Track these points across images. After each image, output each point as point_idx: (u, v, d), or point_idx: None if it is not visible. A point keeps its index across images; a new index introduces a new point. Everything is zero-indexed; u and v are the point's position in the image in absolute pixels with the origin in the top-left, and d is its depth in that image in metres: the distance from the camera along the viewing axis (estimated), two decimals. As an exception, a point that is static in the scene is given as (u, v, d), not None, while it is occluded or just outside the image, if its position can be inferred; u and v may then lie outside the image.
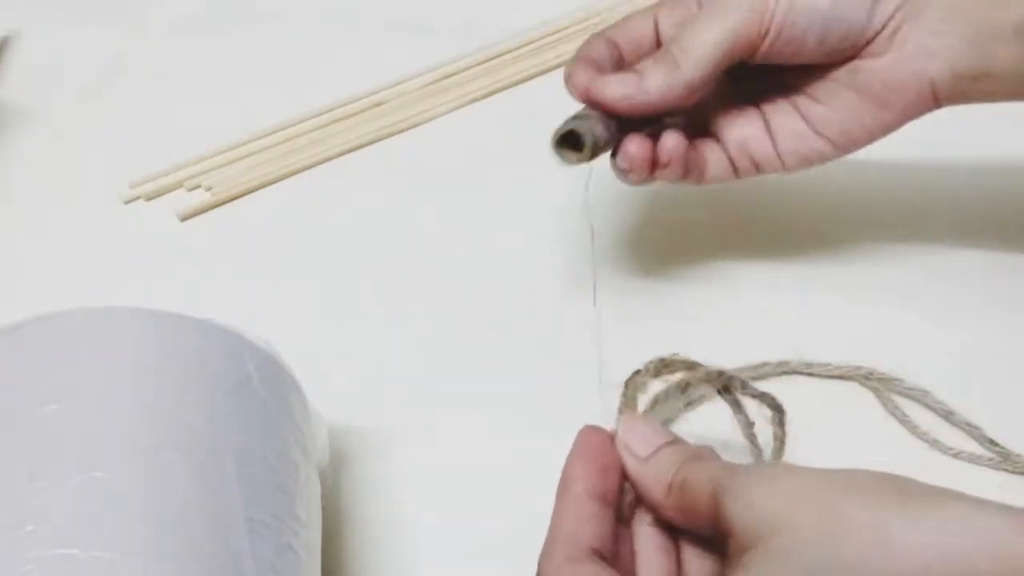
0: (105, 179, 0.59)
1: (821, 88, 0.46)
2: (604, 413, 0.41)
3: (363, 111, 0.63)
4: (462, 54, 0.66)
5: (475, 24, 0.68)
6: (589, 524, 0.35)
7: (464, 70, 0.65)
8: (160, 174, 0.60)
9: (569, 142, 0.45)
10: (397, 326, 0.51)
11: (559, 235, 0.55)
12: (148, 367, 0.35)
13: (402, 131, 0.62)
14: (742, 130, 0.47)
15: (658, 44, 0.47)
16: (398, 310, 0.52)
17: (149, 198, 0.59)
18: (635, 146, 0.45)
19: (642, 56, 0.46)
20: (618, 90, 0.45)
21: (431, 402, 0.48)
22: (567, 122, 0.45)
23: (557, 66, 0.66)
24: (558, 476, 0.37)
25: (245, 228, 0.57)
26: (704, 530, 0.35)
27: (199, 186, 0.59)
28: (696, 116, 0.48)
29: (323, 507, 0.39)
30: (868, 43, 0.45)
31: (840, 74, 0.46)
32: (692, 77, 0.44)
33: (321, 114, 0.63)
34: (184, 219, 0.57)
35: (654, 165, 0.46)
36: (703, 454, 0.36)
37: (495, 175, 0.59)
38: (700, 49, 0.44)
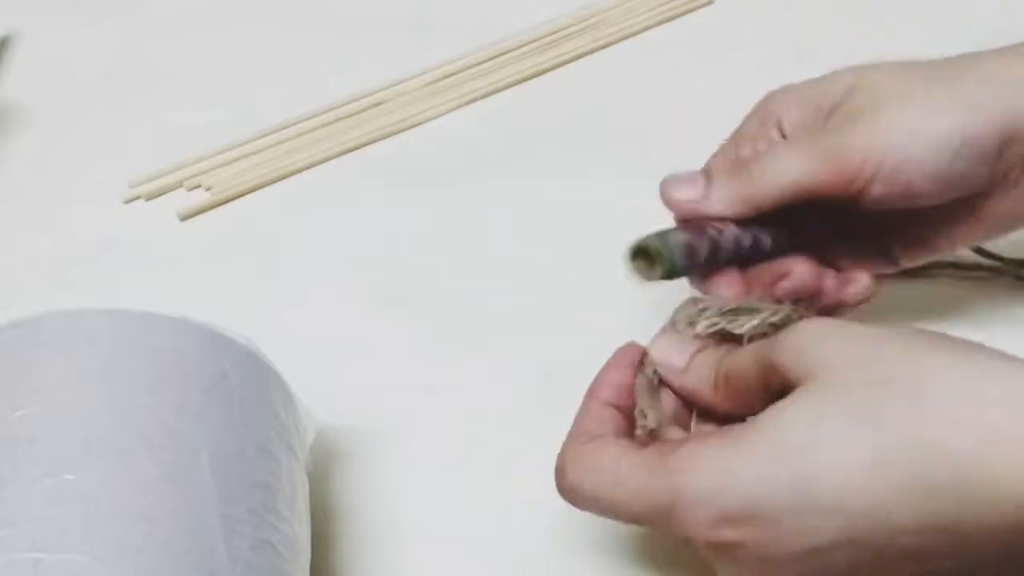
0: (105, 179, 0.59)
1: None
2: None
3: (363, 111, 0.63)
4: (462, 54, 0.66)
5: (475, 24, 0.68)
6: (610, 422, 0.38)
7: (464, 70, 0.66)
8: (160, 174, 0.60)
9: (644, 256, 0.42)
10: (396, 326, 0.51)
11: (559, 235, 0.55)
12: (119, 367, 0.35)
13: (402, 131, 0.62)
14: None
15: None
16: (397, 310, 0.52)
17: (149, 198, 0.59)
18: (725, 286, 0.44)
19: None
20: (684, 193, 0.43)
21: (429, 402, 0.48)
22: (651, 235, 0.42)
23: (557, 66, 0.66)
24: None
25: (245, 228, 0.57)
26: (756, 410, 0.35)
27: (199, 186, 0.59)
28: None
29: (314, 506, 0.40)
30: (987, 191, 0.43)
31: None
32: (760, 203, 0.43)
33: (321, 114, 0.63)
34: (184, 219, 0.57)
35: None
36: (734, 347, 0.38)
37: (495, 175, 0.59)
38: (776, 181, 0.42)
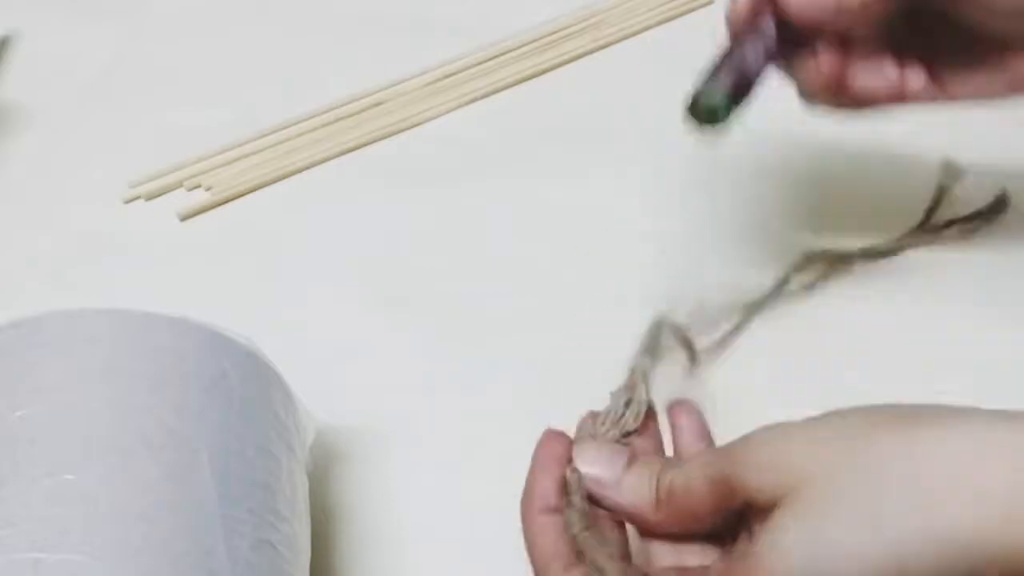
0: (105, 179, 0.59)
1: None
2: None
3: (363, 111, 0.63)
4: (462, 54, 0.66)
5: (475, 24, 0.68)
6: (556, 543, 0.35)
7: (464, 70, 0.65)
8: (160, 174, 0.60)
9: (700, 110, 0.41)
10: (396, 326, 0.51)
11: (559, 235, 0.55)
12: (119, 367, 0.35)
13: (402, 131, 0.62)
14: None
15: None
16: (397, 310, 0.52)
17: (149, 198, 0.59)
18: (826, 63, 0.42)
19: None
20: None
21: (429, 402, 0.48)
22: (696, 91, 0.41)
23: (557, 66, 0.66)
24: None
25: (245, 228, 0.57)
26: (705, 527, 0.35)
27: (199, 186, 0.59)
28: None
29: (314, 506, 0.40)
30: None
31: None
32: None
33: (321, 114, 0.63)
34: (184, 219, 0.57)
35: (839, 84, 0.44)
36: (670, 459, 0.36)
37: (495, 175, 0.59)
38: None
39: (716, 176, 0.57)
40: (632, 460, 0.37)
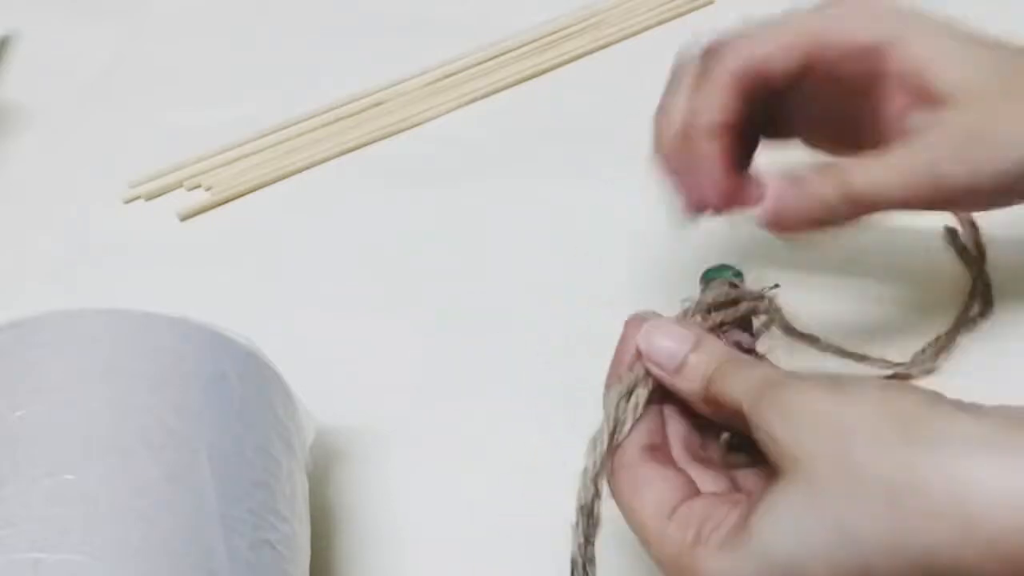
0: (105, 179, 0.59)
1: None
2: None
3: (363, 111, 0.63)
4: (462, 54, 0.66)
5: (475, 24, 0.68)
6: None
7: (464, 70, 0.66)
8: (160, 174, 0.60)
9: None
10: (396, 326, 0.51)
11: (559, 235, 0.55)
12: (119, 367, 0.35)
13: (402, 131, 0.62)
14: None
15: None
16: (396, 310, 0.52)
17: (149, 198, 0.59)
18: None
19: None
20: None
21: (429, 402, 0.48)
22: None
23: (557, 66, 0.66)
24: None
25: (245, 228, 0.57)
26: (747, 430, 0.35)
27: (199, 186, 0.59)
28: None
29: (314, 506, 0.40)
30: None
31: None
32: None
33: (321, 114, 0.63)
34: (184, 219, 0.57)
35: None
36: (729, 361, 0.36)
37: (495, 175, 0.59)
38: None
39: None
40: (695, 350, 0.37)
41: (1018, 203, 0.44)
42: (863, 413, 0.32)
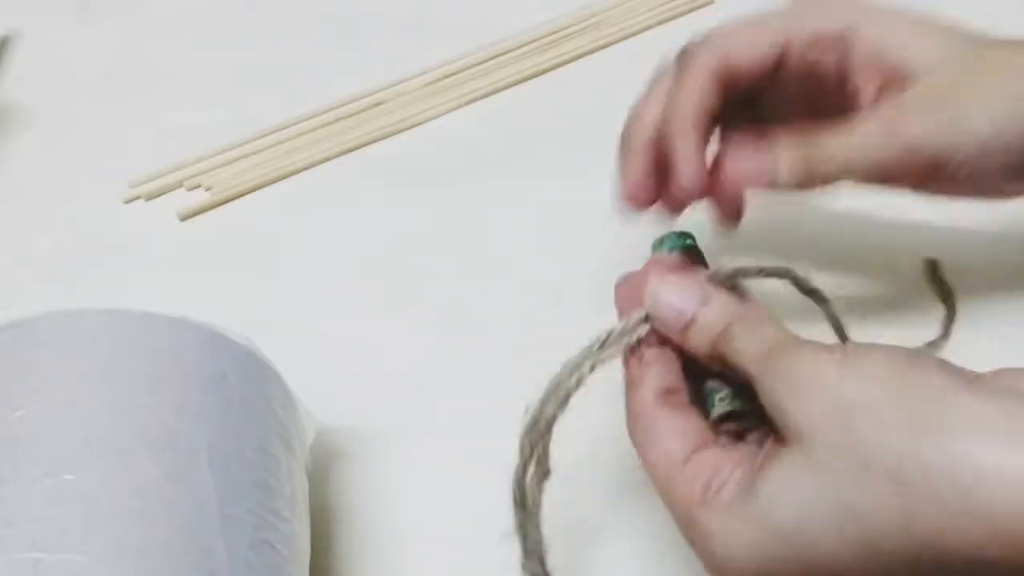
0: (105, 179, 0.59)
1: None
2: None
3: (363, 111, 0.63)
4: (462, 54, 0.66)
5: (475, 24, 0.68)
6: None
7: (464, 70, 0.66)
8: (160, 174, 0.60)
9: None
10: (396, 326, 0.51)
11: (559, 235, 0.55)
12: (119, 367, 0.35)
13: (402, 131, 0.62)
14: None
15: None
16: (396, 310, 0.52)
17: (149, 198, 0.59)
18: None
19: None
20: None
21: (429, 402, 0.48)
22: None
23: (557, 66, 0.66)
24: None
25: (245, 228, 0.57)
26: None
27: (199, 186, 0.59)
28: None
29: (314, 506, 0.40)
30: None
31: None
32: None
33: (321, 114, 0.63)
34: (184, 219, 0.57)
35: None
36: (736, 321, 0.36)
37: (495, 175, 0.59)
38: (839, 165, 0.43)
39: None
40: (704, 309, 0.37)
41: (990, 196, 0.45)
42: (870, 392, 0.32)
